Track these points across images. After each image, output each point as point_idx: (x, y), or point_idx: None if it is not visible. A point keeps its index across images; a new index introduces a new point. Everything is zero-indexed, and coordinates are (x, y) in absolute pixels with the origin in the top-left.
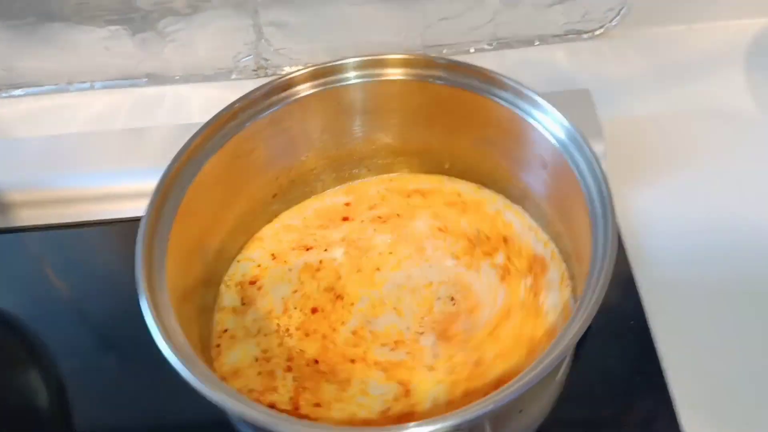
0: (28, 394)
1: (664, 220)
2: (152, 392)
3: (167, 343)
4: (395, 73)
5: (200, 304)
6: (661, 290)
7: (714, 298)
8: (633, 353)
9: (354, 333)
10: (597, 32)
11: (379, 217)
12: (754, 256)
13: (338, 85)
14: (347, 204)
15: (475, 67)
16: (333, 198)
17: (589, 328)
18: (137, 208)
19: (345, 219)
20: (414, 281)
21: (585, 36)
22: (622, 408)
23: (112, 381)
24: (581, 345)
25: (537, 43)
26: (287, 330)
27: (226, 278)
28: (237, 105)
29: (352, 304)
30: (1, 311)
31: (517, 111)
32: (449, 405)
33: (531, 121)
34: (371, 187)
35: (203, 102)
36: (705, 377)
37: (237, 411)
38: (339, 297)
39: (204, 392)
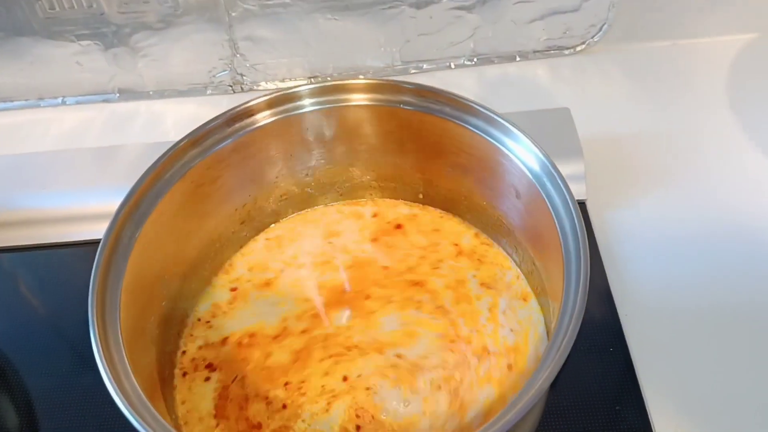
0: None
1: (645, 240)
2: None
3: (114, 387)
4: (360, 99)
5: (159, 337)
6: (640, 312)
7: (694, 320)
8: (612, 378)
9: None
10: (578, 48)
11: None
12: (735, 277)
13: (298, 112)
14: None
15: (445, 92)
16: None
17: (569, 356)
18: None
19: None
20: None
21: (566, 52)
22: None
23: (84, 399)
24: (560, 373)
25: (518, 59)
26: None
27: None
28: (197, 133)
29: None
30: None
31: (489, 139)
32: None
33: (504, 149)
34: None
35: (178, 118)
36: (685, 402)
37: None
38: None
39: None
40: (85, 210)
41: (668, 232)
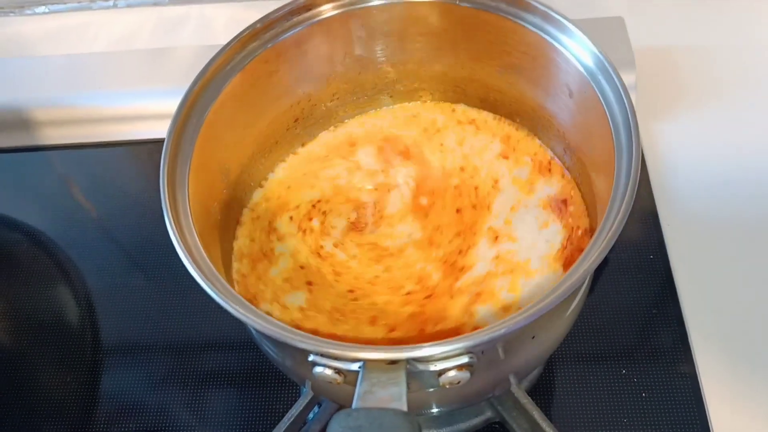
0: (58, 308)
1: (693, 156)
2: (175, 308)
3: (190, 261)
4: None
5: (222, 224)
6: (683, 226)
7: (736, 235)
8: (651, 287)
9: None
10: None
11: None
12: None
13: (362, 5)
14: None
15: None
16: (354, 128)
17: (608, 260)
18: (161, 130)
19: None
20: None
21: None
22: (636, 340)
23: (137, 297)
24: (599, 274)
25: None
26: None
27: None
28: (258, 25)
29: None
30: (27, 227)
31: (544, 36)
32: None
33: (559, 47)
34: (392, 115)
35: (227, 22)
36: (721, 313)
37: (257, 328)
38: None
39: (227, 308)
40: (137, 110)
41: (715, 147)
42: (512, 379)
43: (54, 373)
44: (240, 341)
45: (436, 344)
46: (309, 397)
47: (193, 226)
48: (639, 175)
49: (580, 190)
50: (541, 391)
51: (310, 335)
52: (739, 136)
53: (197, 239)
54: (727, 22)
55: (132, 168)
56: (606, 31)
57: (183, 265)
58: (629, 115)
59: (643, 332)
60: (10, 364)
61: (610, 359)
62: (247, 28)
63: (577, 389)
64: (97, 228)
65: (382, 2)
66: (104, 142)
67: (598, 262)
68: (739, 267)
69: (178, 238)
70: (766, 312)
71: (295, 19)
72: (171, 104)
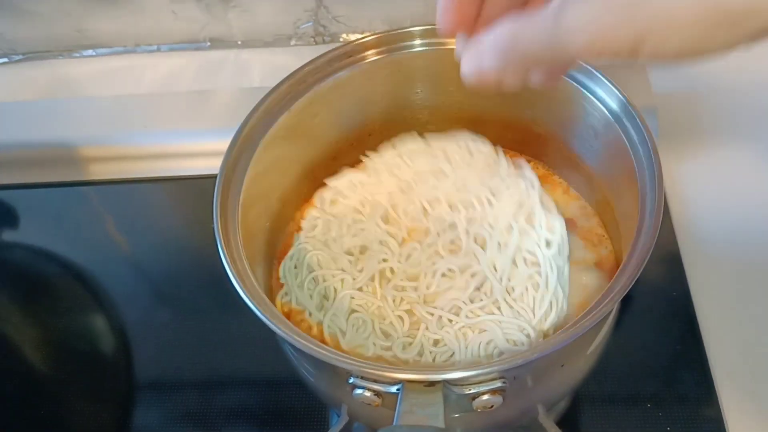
0: (92, 340)
1: (714, 197)
2: (207, 345)
3: (238, 281)
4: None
5: (265, 252)
6: (706, 266)
7: (759, 277)
8: (674, 326)
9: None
10: None
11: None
12: None
13: (402, 53)
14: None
15: None
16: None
17: (632, 298)
18: (200, 167)
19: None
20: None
21: None
22: (660, 381)
23: (170, 331)
24: (623, 317)
25: None
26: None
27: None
28: (305, 69)
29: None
30: (67, 260)
31: (571, 82)
32: None
33: (585, 92)
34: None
35: (263, 67)
36: (746, 355)
37: (298, 346)
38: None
39: (278, 332)
40: (178, 148)
41: (736, 190)
42: (540, 408)
43: (86, 403)
44: (271, 377)
45: (471, 368)
46: (345, 422)
47: (243, 253)
48: (662, 213)
49: (606, 230)
50: (566, 425)
51: (352, 357)
52: (761, 179)
53: (246, 265)
54: (747, 65)
55: (169, 203)
56: (628, 77)
57: (214, 302)
58: (652, 155)
59: (667, 373)
60: (46, 392)
61: (635, 399)
62: (295, 72)
63: (601, 425)
64: (133, 262)
65: (420, 49)
66: (145, 178)
67: (626, 291)
68: (763, 309)
69: (230, 264)
70: None
71: (337, 65)
72: (210, 143)
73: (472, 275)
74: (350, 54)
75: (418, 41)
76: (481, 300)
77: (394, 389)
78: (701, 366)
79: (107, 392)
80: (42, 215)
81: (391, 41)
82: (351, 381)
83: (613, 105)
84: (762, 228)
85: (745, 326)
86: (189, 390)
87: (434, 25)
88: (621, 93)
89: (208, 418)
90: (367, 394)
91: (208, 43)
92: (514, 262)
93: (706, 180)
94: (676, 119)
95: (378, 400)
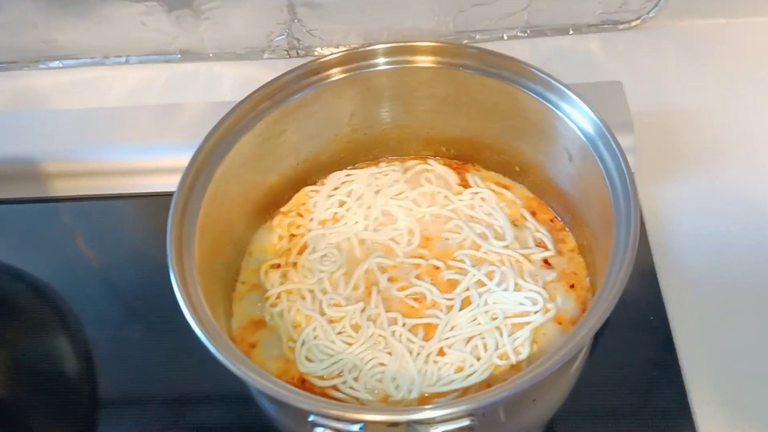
0: (57, 359)
1: (690, 217)
2: (174, 361)
3: (194, 317)
4: (425, 61)
5: (225, 279)
6: (682, 286)
7: (735, 295)
8: (651, 347)
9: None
10: (633, 23)
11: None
12: None
13: (368, 70)
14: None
15: (506, 56)
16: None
17: (608, 320)
18: (168, 183)
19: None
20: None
21: (621, 27)
22: (637, 401)
23: (137, 349)
24: (599, 336)
25: (571, 32)
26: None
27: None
28: (269, 87)
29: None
30: (31, 277)
31: (546, 103)
32: None
33: (559, 113)
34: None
35: (236, 80)
36: (722, 374)
37: (257, 386)
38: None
39: (228, 365)
40: (146, 164)
41: (715, 210)
42: None
43: (50, 424)
44: (239, 395)
45: (437, 407)
46: None
47: (198, 284)
48: (638, 243)
49: (581, 252)
50: None
51: (313, 395)
52: (736, 198)
53: (202, 296)
54: (723, 85)
55: (137, 220)
56: (605, 95)
57: (183, 318)
58: (627, 181)
59: (644, 393)
60: (8, 414)
61: (611, 420)
62: (258, 89)
63: None
64: (100, 279)
65: (388, 67)
66: (111, 194)
67: (599, 326)
68: (739, 327)
69: (184, 296)
70: (766, 371)
71: (304, 82)
72: (177, 159)
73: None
74: (317, 71)
75: (382, 59)
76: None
77: (356, 428)
78: (678, 387)
79: (71, 411)
80: (5, 232)
81: (356, 59)
82: (311, 419)
83: (588, 128)
84: (737, 246)
85: (721, 344)
86: (158, 407)
87: (401, 42)
88: (596, 115)
89: None
90: None
91: (179, 55)
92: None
93: (682, 198)
94: (653, 137)
95: None
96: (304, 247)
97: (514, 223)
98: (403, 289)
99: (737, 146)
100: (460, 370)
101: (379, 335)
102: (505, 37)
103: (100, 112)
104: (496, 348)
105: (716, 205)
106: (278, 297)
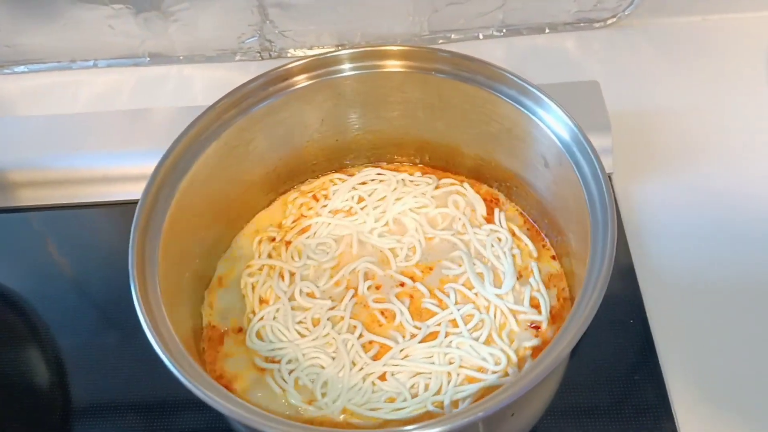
0: (28, 370)
1: (669, 216)
2: (148, 370)
3: (156, 339)
4: (396, 65)
5: (193, 293)
6: (661, 286)
7: (713, 294)
8: (631, 348)
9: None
10: (609, 21)
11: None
12: (758, 256)
13: (336, 76)
14: None
15: (479, 60)
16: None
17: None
18: (139, 191)
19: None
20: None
21: (596, 25)
22: (618, 401)
23: (110, 358)
24: (580, 339)
25: (547, 30)
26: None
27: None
28: (235, 94)
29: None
30: (2, 288)
31: (521, 108)
32: None
33: (535, 118)
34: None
35: (207, 83)
36: (701, 372)
37: (221, 410)
38: None
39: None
40: (116, 171)
41: (693, 209)
42: None
43: None
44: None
45: (414, 428)
46: None
47: (161, 301)
48: (615, 252)
49: (558, 258)
50: None
51: (283, 420)
52: (714, 195)
53: (165, 315)
54: (699, 83)
55: (107, 229)
56: (582, 95)
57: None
58: (604, 190)
59: (625, 393)
60: None
61: (593, 420)
62: (223, 97)
63: None
64: (71, 288)
65: (356, 72)
66: (81, 203)
67: (576, 341)
68: (718, 325)
69: (147, 319)
70: (744, 368)
71: (271, 89)
72: (148, 166)
73: None
74: (284, 77)
75: (349, 64)
76: None
77: None
78: (658, 387)
79: (43, 422)
80: None
81: (323, 65)
82: None
83: (564, 134)
84: (716, 245)
85: (700, 342)
86: (132, 415)
87: (369, 46)
88: (572, 121)
89: None
90: None
91: (148, 58)
92: None
93: (661, 197)
94: (630, 136)
95: None
96: (306, 230)
97: (519, 274)
98: (378, 301)
99: (715, 144)
100: (391, 400)
101: (333, 338)
102: (481, 37)
103: (68, 119)
104: (437, 392)
105: (695, 204)
106: (260, 269)
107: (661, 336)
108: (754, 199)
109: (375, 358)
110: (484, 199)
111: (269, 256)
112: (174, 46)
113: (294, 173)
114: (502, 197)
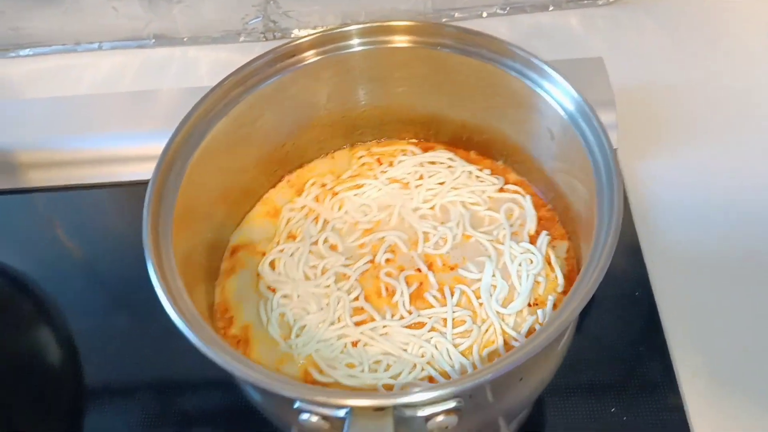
0: (39, 352)
1: (674, 192)
2: (160, 350)
3: (173, 306)
4: (402, 40)
5: (207, 267)
6: (666, 260)
7: (719, 268)
8: (637, 321)
9: None
10: None
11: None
12: (762, 231)
13: (344, 52)
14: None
15: (485, 35)
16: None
17: (594, 296)
18: (146, 171)
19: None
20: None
21: (600, 2)
22: (623, 375)
23: (121, 339)
24: (585, 312)
25: (551, 8)
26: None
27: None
28: (242, 72)
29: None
30: (11, 270)
31: (526, 81)
32: None
33: (540, 91)
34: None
35: (211, 64)
36: (707, 347)
37: (238, 374)
38: None
39: (207, 353)
40: (122, 152)
41: (697, 185)
42: (501, 422)
43: (35, 417)
44: (226, 382)
45: (423, 390)
46: None
47: (176, 272)
48: (621, 221)
49: (565, 228)
50: (530, 425)
51: (297, 382)
52: (719, 171)
53: (181, 284)
54: (703, 59)
55: (116, 209)
56: (586, 72)
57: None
58: (609, 158)
59: (631, 366)
60: None
61: (598, 395)
62: (230, 74)
63: (565, 427)
64: (81, 269)
65: (364, 48)
66: (88, 184)
67: (583, 305)
68: (723, 299)
69: (162, 284)
70: (750, 343)
71: (278, 65)
72: (154, 146)
73: None
74: (291, 54)
75: (357, 40)
76: None
77: (341, 413)
78: (664, 361)
79: (55, 404)
80: None
81: (331, 40)
82: (297, 406)
83: (570, 106)
84: (721, 219)
85: (706, 316)
86: (145, 395)
87: (377, 22)
88: (577, 93)
89: (165, 422)
90: (314, 419)
91: (153, 40)
92: None
93: (665, 172)
94: (635, 113)
95: (326, 425)
96: (358, 187)
97: (535, 302)
98: (388, 275)
99: (719, 120)
100: (350, 366)
101: (330, 292)
102: (484, 15)
103: (73, 100)
104: (394, 377)
105: (699, 179)
106: (302, 207)
107: (667, 311)
108: (757, 174)
109: (358, 324)
110: (540, 219)
111: (315, 199)
112: (178, 27)
113: (302, 150)
114: (556, 217)
